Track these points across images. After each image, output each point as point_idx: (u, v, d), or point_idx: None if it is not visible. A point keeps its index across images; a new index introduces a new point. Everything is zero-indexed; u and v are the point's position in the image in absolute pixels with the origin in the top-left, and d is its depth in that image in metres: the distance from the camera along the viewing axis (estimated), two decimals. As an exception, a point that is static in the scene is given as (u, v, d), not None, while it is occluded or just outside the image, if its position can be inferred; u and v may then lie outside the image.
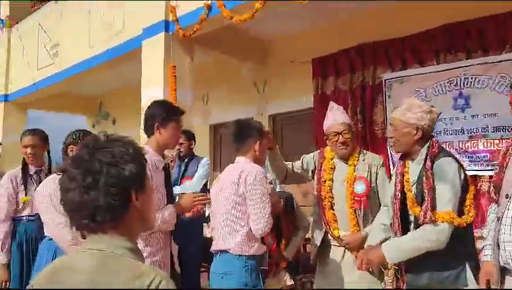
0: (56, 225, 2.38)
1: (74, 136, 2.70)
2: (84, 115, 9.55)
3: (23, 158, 3.13)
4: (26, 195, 3.04)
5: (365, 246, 2.49)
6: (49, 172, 3.17)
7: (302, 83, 5.60)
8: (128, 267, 1.07)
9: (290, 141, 5.90)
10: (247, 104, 6.24)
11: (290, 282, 3.28)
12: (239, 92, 6.37)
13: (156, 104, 2.49)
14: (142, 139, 2.86)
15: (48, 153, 3.28)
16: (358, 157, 2.83)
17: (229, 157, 6.67)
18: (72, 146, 2.65)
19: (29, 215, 3.04)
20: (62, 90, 8.08)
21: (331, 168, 2.84)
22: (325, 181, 2.80)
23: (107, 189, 1.08)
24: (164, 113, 2.41)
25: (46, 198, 2.42)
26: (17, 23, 8.06)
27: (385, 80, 4.80)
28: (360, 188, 2.74)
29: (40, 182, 2.99)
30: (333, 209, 2.76)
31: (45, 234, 2.61)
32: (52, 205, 2.39)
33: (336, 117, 2.92)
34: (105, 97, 8.96)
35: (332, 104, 3.13)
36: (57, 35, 6.87)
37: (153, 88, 4.85)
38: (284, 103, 5.85)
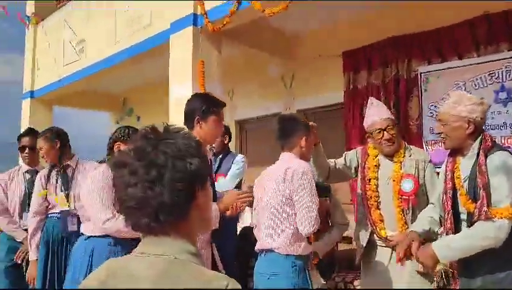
0: (105, 220, 2.33)
1: (121, 132, 2.63)
2: (108, 112, 9.56)
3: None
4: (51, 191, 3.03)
5: (408, 231, 2.38)
6: (63, 169, 3.12)
7: (331, 77, 5.46)
8: (194, 274, 0.97)
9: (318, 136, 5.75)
10: (274, 99, 6.12)
11: (320, 281, 3.15)
12: (265, 87, 6.26)
13: (196, 96, 2.40)
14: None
15: (62, 149, 3.20)
16: (404, 153, 2.70)
17: (256, 153, 6.60)
18: (118, 143, 2.58)
19: (57, 213, 3.01)
20: (86, 87, 8.09)
21: (376, 165, 2.72)
22: (370, 180, 2.67)
23: (172, 184, 0.97)
24: (204, 105, 2.31)
25: (95, 193, 2.35)
26: (43, 20, 8.09)
27: (421, 73, 4.62)
28: (407, 186, 2.60)
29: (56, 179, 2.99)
30: (379, 209, 2.63)
31: (83, 232, 2.54)
32: (100, 200, 2.34)
33: (378, 113, 2.79)
34: (129, 94, 8.94)
35: (372, 99, 3.01)
36: (82, 32, 6.85)
37: (181, 84, 4.77)
38: (312, 98, 5.72)
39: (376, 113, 2.79)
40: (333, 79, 5.40)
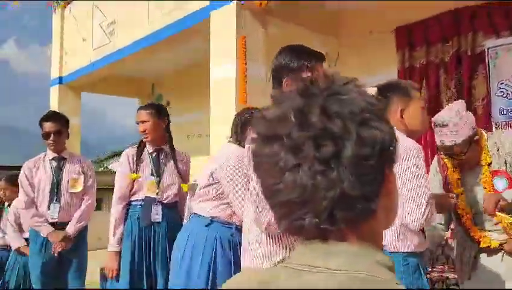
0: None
1: (250, 114, 2.36)
2: (136, 98, 9.30)
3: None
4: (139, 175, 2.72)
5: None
6: (158, 152, 2.80)
7: (382, 55, 5.05)
8: None
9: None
10: (317, 81, 5.73)
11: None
12: (307, 68, 5.86)
13: (286, 49, 1.86)
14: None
15: (167, 129, 2.92)
16: (488, 152, 2.27)
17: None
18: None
19: (141, 200, 2.70)
20: (115, 72, 7.83)
21: (458, 178, 2.31)
22: (458, 196, 2.27)
23: (357, 164, 0.63)
24: (295, 60, 1.76)
25: (238, 176, 2.10)
26: (69, 3, 7.83)
27: (488, 49, 4.19)
28: (500, 185, 2.21)
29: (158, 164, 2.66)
30: (476, 224, 2.26)
31: (203, 215, 2.23)
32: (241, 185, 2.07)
33: (442, 139, 2.24)
34: (158, 79, 8.65)
35: (439, 118, 2.30)
36: (113, 13, 6.56)
37: (222, 64, 4.43)
38: (359, 78, 5.30)
39: (441, 138, 2.22)
40: (384, 57, 5.00)
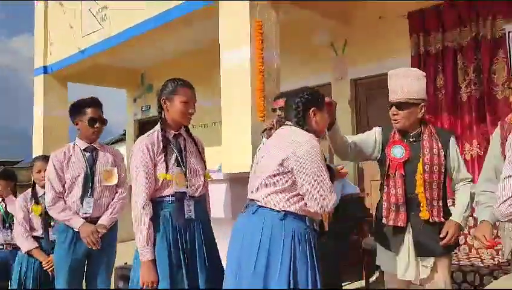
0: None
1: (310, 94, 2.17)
2: (124, 88, 8.94)
3: (160, 122, 2.42)
4: (167, 169, 2.34)
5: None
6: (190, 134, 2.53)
7: (393, 41, 4.93)
8: None
9: (376, 109, 5.24)
10: (322, 67, 5.56)
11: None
12: (312, 54, 5.69)
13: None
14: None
15: None
16: None
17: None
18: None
19: (170, 196, 2.37)
20: (104, 61, 7.49)
21: None
22: None
23: None
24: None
25: (313, 164, 1.96)
26: (53, -11, 7.42)
27: (509, 33, 4.09)
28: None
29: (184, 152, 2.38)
30: None
31: (276, 208, 2.02)
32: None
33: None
34: (148, 69, 8.33)
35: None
36: (104, -2, 6.22)
37: (232, 49, 4.19)
38: (369, 66, 5.17)
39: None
40: (396, 43, 4.88)
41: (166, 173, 2.29)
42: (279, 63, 4.30)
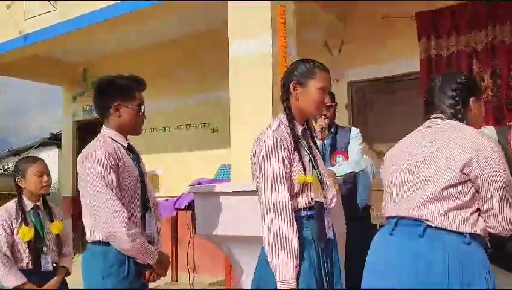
0: None
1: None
2: (60, 86, 7.77)
3: (286, 113, 1.88)
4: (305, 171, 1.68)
5: None
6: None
7: (396, 42, 4.67)
8: None
9: (377, 114, 4.93)
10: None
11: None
12: (304, 52, 5.23)
13: None
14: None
15: None
16: None
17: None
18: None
19: (309, 208, 1.70)
20: (41, 53, 6.41)
21: None
22: None
23: None
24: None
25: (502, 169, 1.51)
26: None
27: (529, 37, 4.01)
28: None
29: None
30: None
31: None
32: None
33: None
34: (92, 63, 7.30)
35: None
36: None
37: (254, 38, 3.60)
38: (369, 68, 4.86)
39: None
40: (400, 45, 4.63)
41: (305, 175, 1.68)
42: (296, 55, 3.79)
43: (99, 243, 2.01)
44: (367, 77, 4.89)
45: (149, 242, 2.03)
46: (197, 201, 2.50)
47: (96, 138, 2.10)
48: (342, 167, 2.94)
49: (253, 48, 3.59)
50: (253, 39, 3.61)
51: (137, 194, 2.02)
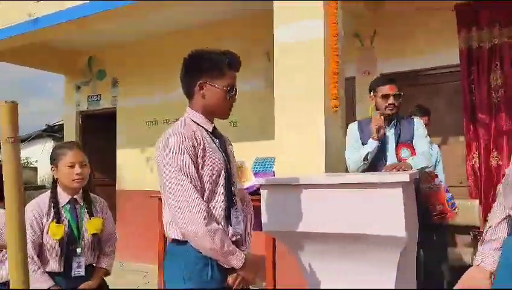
0: None
1: None
2: (63, 74, 7.40)
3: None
4: None
5: None
6: None
7: (432, 34, 4.52)
8: None
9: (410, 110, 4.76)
10: (344, 58, 4.96)
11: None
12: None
13: None
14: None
15: None
16: None
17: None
18: None
19: None
20: (47, 39, 6.05)
21: None
22: None
23: None
24: None
25: None
26: None
27: None
28: None
29: None
30: None
31: None
32: None
33: None
34: (99, 51, 6.96)
35: None
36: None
37: (305, 20, 3.38)
38: (403, 60, 4.69)
39: None
40: (436, 36, 4.48)
41: None
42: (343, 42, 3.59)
43: (178, 242, 1.78)
44: (400, 70, 4.72)
45: (235, 242, 1.80)
46: (269, 195, 2.28)
47: (178, 120, 1.86)
48: (417, 160, 2.75)
49: (303, 33, 3.38)
50: (303, 24, 3.40)
51: (221, 185, 1.78)
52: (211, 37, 5.85)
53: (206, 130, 1.83)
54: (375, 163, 2.84)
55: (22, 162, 7.63)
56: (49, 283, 2.21)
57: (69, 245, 2.27)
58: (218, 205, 1.75)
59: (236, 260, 1.71)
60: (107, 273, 2.49)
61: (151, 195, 4.34)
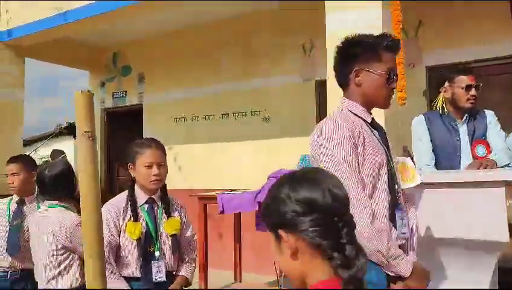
0: None
1: None
2: (87, 70, 7.26)
3: None
4: None
5: None
6: None
7: (481, 24, 4.30)
8: None
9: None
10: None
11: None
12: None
13: None
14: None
15: None
16: None
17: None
18: None
19: None
20: (70, 35, 5.90)
21: None
22: None
23: None
24: None
25: None
26: None
27: None
28: None
29: None
30: None
31: None
32: None
33: None
34: (123, 47, 6.80)
35: None
36: None
37: (360, 9, 3.19)
38: (450, 51, 4.47)
39: None
40: (487, 26, 4.25)
41: None
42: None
43: None
44: (447, 62, 4.49)
45: (401, 247, 1.57)
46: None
47: (333, 112, 1.71)
48: (499, 157, 2.53)
49: (360, 21, 3.18)
50: (359, 11, 3.20)
51: (382, 181, 1.59)
52: (243, 29, 5.67)
53: (365, 121, 1.67)
54: (449, 163, 2.62)
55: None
56: (124, 284, 2.06)
57: (146, 247, 2.13)
58: (381, 202, 1.56)
59: (405, 267, 1.50)
60: (188, 282, 2.34)
61: (190, 194, 4.19)
